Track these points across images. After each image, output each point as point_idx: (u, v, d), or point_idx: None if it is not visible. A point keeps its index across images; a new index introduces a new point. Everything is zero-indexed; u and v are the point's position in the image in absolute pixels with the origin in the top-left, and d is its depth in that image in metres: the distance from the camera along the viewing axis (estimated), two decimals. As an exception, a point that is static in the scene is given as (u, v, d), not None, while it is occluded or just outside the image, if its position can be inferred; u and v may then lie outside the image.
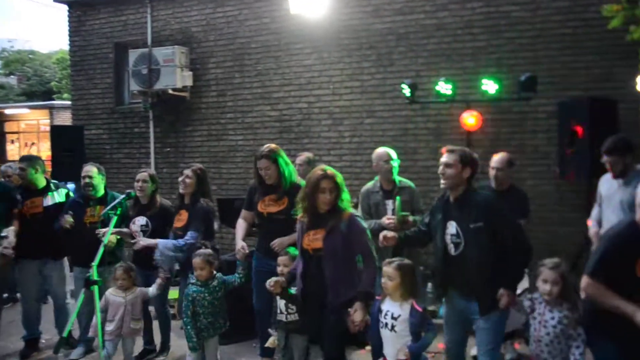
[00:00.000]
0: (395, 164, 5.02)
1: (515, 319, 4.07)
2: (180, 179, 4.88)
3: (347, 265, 3.63)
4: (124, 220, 5.05)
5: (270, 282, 3.83)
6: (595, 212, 4.73)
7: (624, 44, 6.36)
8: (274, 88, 8.33)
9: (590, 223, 4.76)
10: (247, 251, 4.52)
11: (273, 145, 4.53)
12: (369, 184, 5.17)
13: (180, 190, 4.89)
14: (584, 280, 3.12)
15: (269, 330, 4.23)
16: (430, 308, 5.97)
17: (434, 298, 6.01)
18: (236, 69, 8.55)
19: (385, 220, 4.79)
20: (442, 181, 3.58)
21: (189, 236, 4.67)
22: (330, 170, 3.69)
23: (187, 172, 4.86)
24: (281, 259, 4.20)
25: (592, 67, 6.82)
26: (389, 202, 4.90)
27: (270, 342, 4.33)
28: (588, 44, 6.84)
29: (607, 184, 4.51)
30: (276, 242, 4.42)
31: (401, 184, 5.04)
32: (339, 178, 3.67)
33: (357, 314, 3.51)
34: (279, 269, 4.16)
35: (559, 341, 3.28)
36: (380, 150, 5.12)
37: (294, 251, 4.12)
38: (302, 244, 3.76)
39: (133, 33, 9.22)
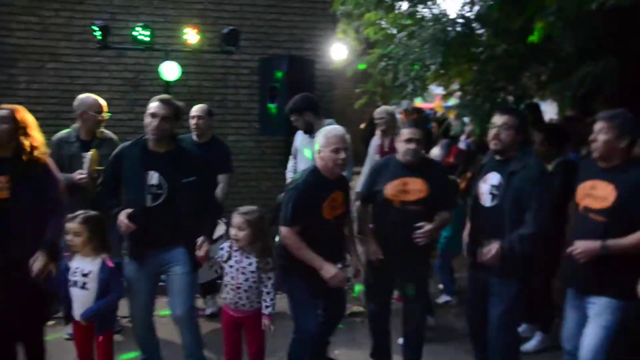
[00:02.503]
0: (107, 117, 4.55)
1: (206, 273, 4.18)
2: None
3: (41, 217, 3.28)
4: None
5: None
6: (290, 164, 5.00)
7: (324, 8, 6.64)
8: None
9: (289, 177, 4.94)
10: None
11: None
12: (62, 133, 4.49)
13: None
14: (283, 231, 3.34)
15: None
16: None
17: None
18: None
19: (77, 175, 4.25)
20: (151, 133, 3.42)
21: None
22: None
23: None
24: None
25: (294, 27, 7.02)
26: (88, 155, 4.37)
27: None
28: (292, 4, 7.00)
29: (300, 138, 4.82)
30: None
31: (103, 136, 4.52)
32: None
33: (36, 262, 3.18)
34: None
35: (257, 286, 3.35)
36: (90, 98, 4.49)
37: None
38: None
39: None
